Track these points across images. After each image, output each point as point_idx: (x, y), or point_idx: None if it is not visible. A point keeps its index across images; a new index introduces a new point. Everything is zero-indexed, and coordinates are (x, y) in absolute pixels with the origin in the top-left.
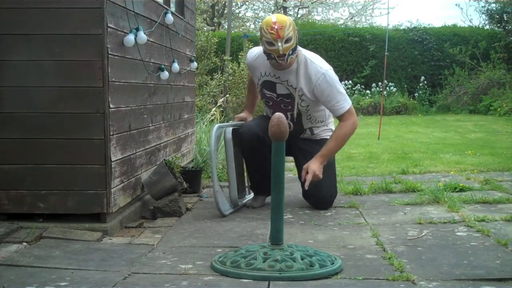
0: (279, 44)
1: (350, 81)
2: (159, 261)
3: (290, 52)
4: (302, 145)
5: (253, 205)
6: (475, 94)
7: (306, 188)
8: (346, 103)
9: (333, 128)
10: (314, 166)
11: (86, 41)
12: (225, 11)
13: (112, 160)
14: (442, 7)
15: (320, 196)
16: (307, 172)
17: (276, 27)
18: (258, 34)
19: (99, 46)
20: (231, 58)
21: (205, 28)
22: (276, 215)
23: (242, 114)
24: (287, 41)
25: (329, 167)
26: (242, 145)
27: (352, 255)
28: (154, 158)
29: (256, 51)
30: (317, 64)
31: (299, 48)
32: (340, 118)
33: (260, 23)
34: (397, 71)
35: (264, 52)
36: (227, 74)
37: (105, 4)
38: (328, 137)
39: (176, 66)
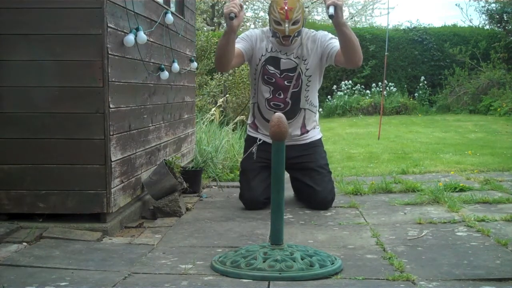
0: (286, 25)
1: (350, 81)
2: (159, 261)
3: (296, 34)
4: (296, 161)
5: None
6: (475, 94)
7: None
8: None
9: (319, 128)
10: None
11: (86, 41)
12: None
13: (112, 160)
14: (442, 7)
15: (317, 201)
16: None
17: (286, 8)
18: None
19: (99, 46)
20: None
21: (205, 28)
22: (276, 215)
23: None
24: (294, 23)
25: (327, 175)
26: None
27: (352, 255)
28: (154, 158)
29: (260, 29)
30: (318, 32)
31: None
32: None
33: (260, 23)
34: (397, 71)
35: (270, 29)
36: (227, 74)
37: (105, 4)
38: (318, 138)
39: (176, 66)
